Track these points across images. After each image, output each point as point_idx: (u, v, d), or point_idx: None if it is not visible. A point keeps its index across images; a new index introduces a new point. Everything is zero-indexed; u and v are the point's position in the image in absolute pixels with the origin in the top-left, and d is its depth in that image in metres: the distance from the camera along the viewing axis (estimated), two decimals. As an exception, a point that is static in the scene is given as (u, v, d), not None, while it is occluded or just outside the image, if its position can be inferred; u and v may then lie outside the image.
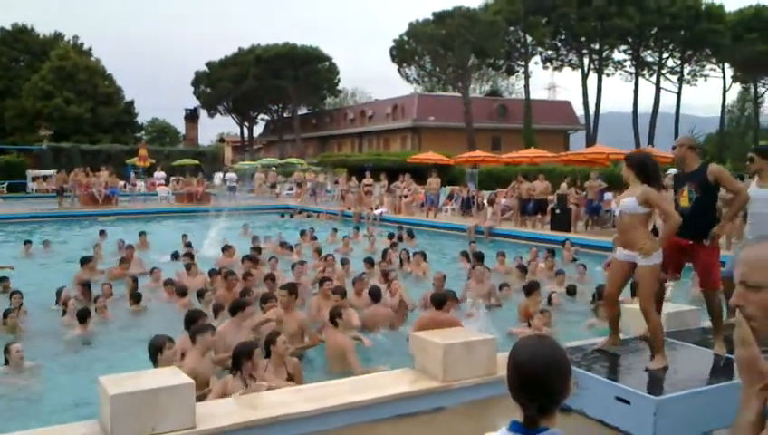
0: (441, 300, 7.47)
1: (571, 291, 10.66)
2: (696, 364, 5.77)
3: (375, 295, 8.99)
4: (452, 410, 5.30)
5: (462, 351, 5.46)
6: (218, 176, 32.95)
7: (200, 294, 9.43)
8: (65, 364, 7.81)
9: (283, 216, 27.59)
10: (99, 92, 55.64)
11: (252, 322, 7.54)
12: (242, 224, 20.34)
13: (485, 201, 23.04)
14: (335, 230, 18.45)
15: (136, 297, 10.08)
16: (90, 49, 61.21)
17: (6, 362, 7.07)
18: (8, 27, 58.96)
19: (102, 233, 17.84)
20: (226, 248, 13.83)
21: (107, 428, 4.31)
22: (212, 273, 11.19)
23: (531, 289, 9.46)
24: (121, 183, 34.67)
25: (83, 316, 8.68)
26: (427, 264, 13.20)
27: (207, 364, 6.28)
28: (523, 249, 15.39)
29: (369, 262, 12.38)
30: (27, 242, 16.23)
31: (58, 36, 61.20)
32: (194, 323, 6.74)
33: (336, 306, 7.55)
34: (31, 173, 38.91)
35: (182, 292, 10.03)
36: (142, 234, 16.95)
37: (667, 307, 6.74)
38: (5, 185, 38.28)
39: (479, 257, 12.35)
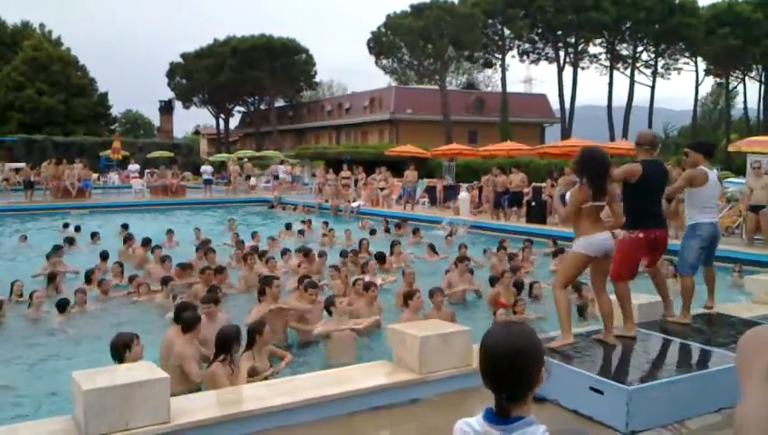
0: (410, 296, 7.88)
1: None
2: (668, 354, 5.86)
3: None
4: (428, 401, 5.32)
5: (438, 342, 5.48)
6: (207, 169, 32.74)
7: (164, 282, 9.41)
8: (39, 357, 7.72)
9: (272, 207, 27.36)
10: (72, 84, 54.80)
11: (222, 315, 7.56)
12: (227, 218, 20.25)
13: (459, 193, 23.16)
14: (326, 223, 18.21)
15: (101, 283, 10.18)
16: (59, 38, 60.23)
17: None
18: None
19: (66, 226, 17.59)
20: (205, 244, 13.71)
21: (80, 423, 4.26)
22: (182, 266, 11.17)
23: (494, 279, 10.06)
24: (95, 176, 34.25)
25: (62, 306, 8.76)
26: (406, 255, 13.29)
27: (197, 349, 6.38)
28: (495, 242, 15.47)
29: (345, 255, 12.40)
30: None
31: (27, 26, 60.09)
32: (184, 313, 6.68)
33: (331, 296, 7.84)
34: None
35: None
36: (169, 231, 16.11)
37: (639, 298, 6.84)
38: (-25, 178, 37.59)
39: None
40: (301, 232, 17.06)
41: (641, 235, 6.17)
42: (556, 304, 5.82)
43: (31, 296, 9.19)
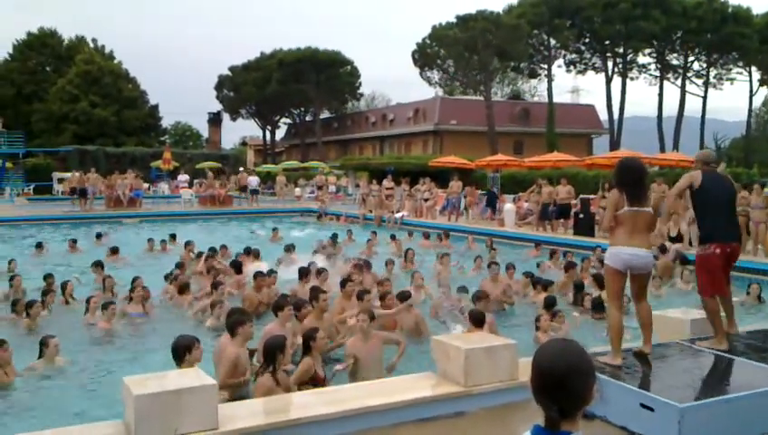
0: (480, 319, 6.98)
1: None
2: (721, 372, 5.69)
3: (405, 299, 8.78)
4: (473, 415, 5.27)
5: (483, 355, 5.43)
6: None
7: (215, 286, 9.68)
8: (96, 360, 7.92)
9: (320, 217, 27.53)
10: (123, 96, 56.34)
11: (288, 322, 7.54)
12: (271, 228, 20.44)
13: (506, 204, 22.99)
14: (374, 233, 18.12)
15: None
16: (112, 52, 62.00)
17: (41, 356, 7.20)
18: (35, 32, 59.92)
19: (100, 236, 18.01)
20: (248, 252, 13.87)
21: (131, 428, 4.35)
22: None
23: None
24: (146, 186, 35.07)
25: (106, 306, 8.99)
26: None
27: (246, 355, 6.40)
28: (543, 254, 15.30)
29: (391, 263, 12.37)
30: (39, 245, 16.50)
31: (81, 40, 62.01)
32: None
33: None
34: (56, 175, 39.50)
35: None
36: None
37: (691, 313, 6.66)
38: (32, 187, 38.93)
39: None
40: (334, 240, 17.05)
41: (717, 250, 6.03)
42: (607, 321, 5.75)
43: (88, 302, 9.41)
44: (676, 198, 6.45)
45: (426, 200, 25.44)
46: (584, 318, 9.65)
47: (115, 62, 60.39)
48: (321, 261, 13.00)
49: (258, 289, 10.01)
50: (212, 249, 13.85)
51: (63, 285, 10.47)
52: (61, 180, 38.45)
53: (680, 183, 6.18)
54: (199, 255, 13.68)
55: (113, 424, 4.66)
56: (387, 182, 28.09)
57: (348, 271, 11.32)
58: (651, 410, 4.71)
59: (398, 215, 24.50)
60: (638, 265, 5.57)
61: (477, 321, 6.84)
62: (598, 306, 9.51)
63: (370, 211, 25.88)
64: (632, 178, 5.61)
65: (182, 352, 5.57)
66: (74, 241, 16.95)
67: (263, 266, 11.87)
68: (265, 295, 9.90)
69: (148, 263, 15.03)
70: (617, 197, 5.60)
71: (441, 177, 30.44)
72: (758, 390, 5.03)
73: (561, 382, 1.88)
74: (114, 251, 15.20)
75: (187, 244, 14.98)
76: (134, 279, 10.49)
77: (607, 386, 4.98)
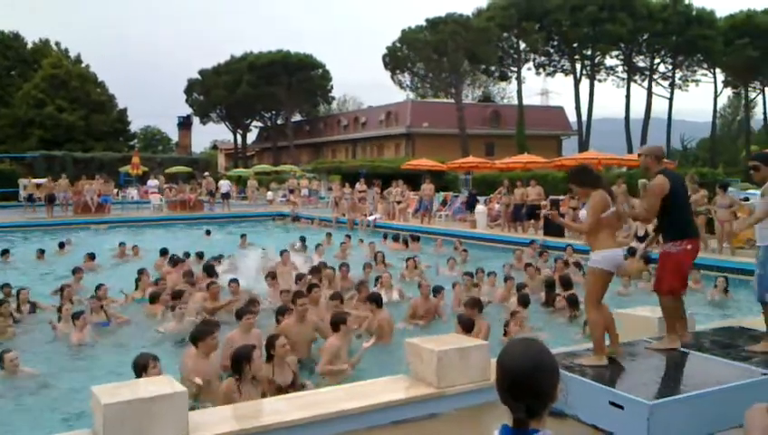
0: (470, 324, 7.03)
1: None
2: (689, 368, 5.78)
3: (378, 301, 8.85)
4: (447, 416, 5.29)
5: (456, 357, 5.45)
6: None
7: (175, 296, 9.63)
8: (62, 370, 7.77)
9: (296, 220, 27.47)
10: (91, 100, 55.51)
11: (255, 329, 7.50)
12: (239, 233, 20.25)
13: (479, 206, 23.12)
14: (348, 237, 18.09)
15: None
16: (79, 56, 61.05)
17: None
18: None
19: (63, 245, 17.67)
20: (219, 260, 13.79)
21: (99, 437, 4.28)
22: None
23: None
24: (114, 191, 34.59)
25: (77, 316, 8.79)
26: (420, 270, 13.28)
27: (211, 367, 6.32)
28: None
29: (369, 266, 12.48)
30: (5, 252, 16.09)
31: (45, 44, 60.96)
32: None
33: (339, 313, 7.50)
34: (23, 181, 38.72)
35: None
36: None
37: (660, 312, 6.74)
38: (-3, 193, 38.09)
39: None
40: (303, 242, 17.01)
41: (689, 246, 6.06)
42: (590, 325, 5.83)
43: (59, 310, 9.25)
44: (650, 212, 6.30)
45: (398, 203, 25.48)
46: (555, 318, 9.74)
47: (82, 65, 59.51)
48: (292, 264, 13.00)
49: (213, 297, 10.03)
50: (186, 254, 13.85)
51: (17, 293, 10.30)
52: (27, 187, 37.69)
53: (655, 197, 5.97)
54: (172, 260, 13.55)
55: (81, 434, 4.59)
56: (359, 185, 28.09)
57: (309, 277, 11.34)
58: (621, 407, 4.77)
59: (370, 218, 24.50)
60: (621, 262, 5.74)
61: (467, 326, 6.91)
62: (574, 303, 9.53)
63: (343, 214, 25.85)
64: (599, 177, 5.75)
65: (138, 371, 5.53)
66: (42, 251, 16.57)
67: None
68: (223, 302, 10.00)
69: (120, 269, 14.84)
70: (605, 198, 5.55)
71: (413, 179, 30.52)
72: (725, 385, 5.12)
73: (529, 381, 1.89)
74: (91, 257, 14.99)
75: (163, 251, 14.78)
76: (97, 287, 10.36)
77: (576, 385, 5.03)
